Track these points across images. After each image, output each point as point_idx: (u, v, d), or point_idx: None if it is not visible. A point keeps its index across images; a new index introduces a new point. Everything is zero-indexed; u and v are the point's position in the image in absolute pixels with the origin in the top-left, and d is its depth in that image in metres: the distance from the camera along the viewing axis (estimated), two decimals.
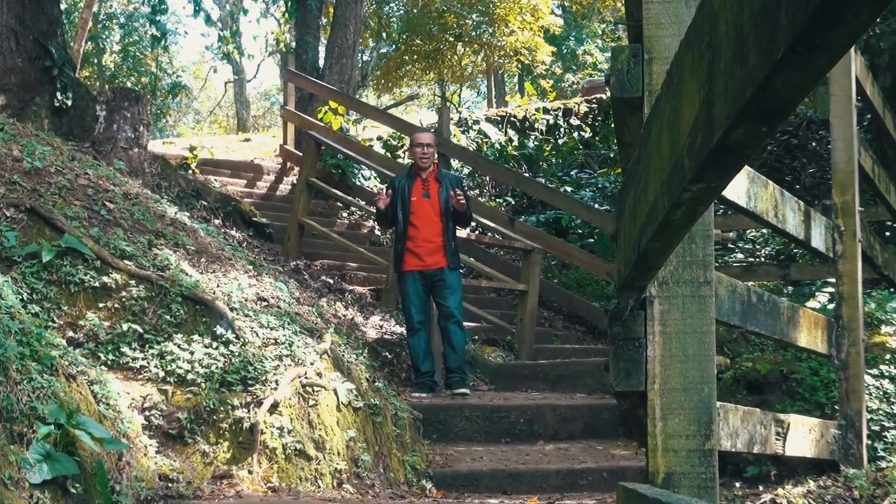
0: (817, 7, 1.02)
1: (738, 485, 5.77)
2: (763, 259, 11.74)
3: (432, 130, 11.37)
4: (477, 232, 11.56)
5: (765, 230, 11.02)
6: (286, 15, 18.05)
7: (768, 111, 1.32)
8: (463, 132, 16.51)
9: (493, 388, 8.78)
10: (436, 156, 8.37)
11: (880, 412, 6.02)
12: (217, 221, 10.70)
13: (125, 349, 5.35)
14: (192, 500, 4.58)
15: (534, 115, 17.80)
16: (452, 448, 7.07)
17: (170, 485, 4.67)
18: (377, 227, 13.22)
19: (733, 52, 1.32)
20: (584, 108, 18.22)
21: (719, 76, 1.40)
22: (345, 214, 13.67)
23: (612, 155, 16.04)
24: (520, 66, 25.62)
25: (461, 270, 8.36)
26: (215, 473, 4.99)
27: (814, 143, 12.96)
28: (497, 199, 15.18)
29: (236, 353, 5.54)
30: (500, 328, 10.26)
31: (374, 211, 9.61)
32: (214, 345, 5.56)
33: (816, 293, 8.60)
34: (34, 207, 5.83)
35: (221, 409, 5.16)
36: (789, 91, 1.24)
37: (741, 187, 3.77)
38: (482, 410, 7.48)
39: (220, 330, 5.65)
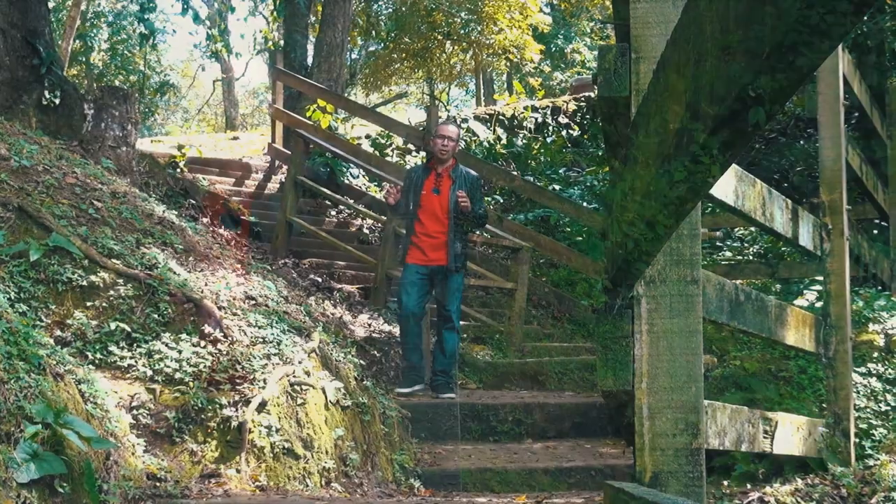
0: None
1: (726, 483, 5.78)
2: (751, 257, 11.77)
3: (421, 127, 11.36)
4: None
5: (753, 228, 11.04)
6: (274, 13, 18.01)
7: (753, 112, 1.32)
8: None
9: (481, 386, 8.78)
10: (456, 151, 8.37)
11: (868, 410, 6.04)
12: (205, 220, 10.67)
13: (113, 348, 5.33)
14: (180, 499, 4.57)
15: (522, 113, 17.80)
16: (441, 447, 7.07)
17: (158, 484, 4.66)
18: (365, 226, 13.22)
19: (718, 52, 1.32)
20: (572, 106, 18.24)
21: (705, 76, 1.40)
22: (333, 213, 13.66)
23: (600, 153, 16.07)
24: (508, 64, 25.61)
25: (463, 272, 8.25)
26: (203, 472, 4.97)
27: (802, 142, 13.01)
28: (485, 198, 15.18)
29: (224, 352, 5.53)
30: (489, 326, 10.26)
31: (362, 209, 9.63)
32: (202, 343, 5.54)
33: (804, 291, 8.62)
34: (22, 206, 5.81)
35: (209, 407, 5.15)
36: (773, 92, 1.24)
37: (729, 186, 3.79)
38: (470, 409, 7.48)
39: (208, 329, 5.64)
